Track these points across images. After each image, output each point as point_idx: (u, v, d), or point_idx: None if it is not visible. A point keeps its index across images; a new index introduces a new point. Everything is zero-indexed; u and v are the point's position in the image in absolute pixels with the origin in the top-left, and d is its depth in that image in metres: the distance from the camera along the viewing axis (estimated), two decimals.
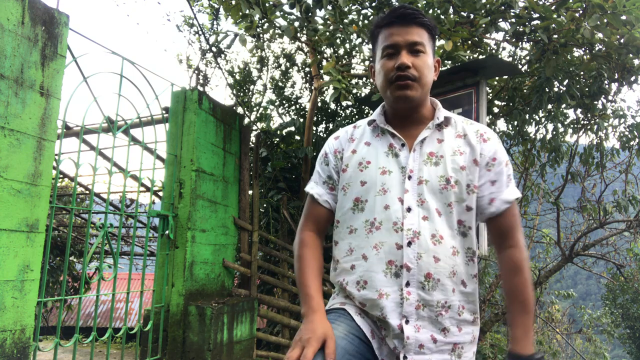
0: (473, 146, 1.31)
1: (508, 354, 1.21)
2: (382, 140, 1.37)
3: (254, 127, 6.07)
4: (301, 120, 6.05)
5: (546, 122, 4.88)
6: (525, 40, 3.71)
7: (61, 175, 6.69)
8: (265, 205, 5.31)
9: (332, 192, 1.42)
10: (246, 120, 5.67)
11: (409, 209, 1.24)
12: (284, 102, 6.84)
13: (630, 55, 3.44)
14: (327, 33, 3.65)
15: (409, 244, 1.22)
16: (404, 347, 1.20)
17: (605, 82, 4.13)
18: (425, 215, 1.24)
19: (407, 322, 1.20)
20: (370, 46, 4.13)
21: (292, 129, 5.94)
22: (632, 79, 3.89)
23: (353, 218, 1.32)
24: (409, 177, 1.27)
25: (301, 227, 1.44)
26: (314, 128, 6.06)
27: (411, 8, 1.29)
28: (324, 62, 5.88)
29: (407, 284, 1.21)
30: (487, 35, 3.78)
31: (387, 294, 1.22)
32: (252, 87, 6.91)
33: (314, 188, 1.44)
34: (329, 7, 3.51)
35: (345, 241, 1.33)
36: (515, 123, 4.75)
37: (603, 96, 4.31)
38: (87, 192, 6.53)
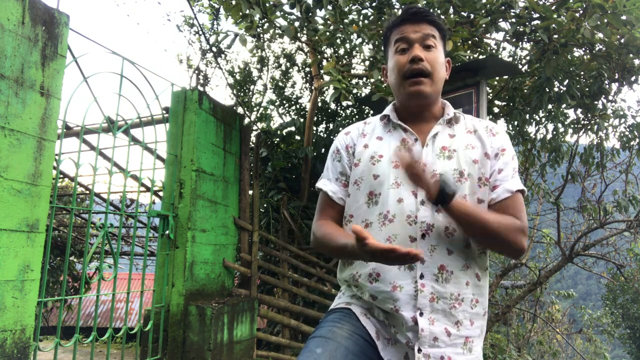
0: (483, 140, 1.33)
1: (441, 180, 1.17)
2: (394, 134, 1.38)
3: (254, 127, 6.08)
4: (301, 120, 6.05)
5: (546, 122, 4.87)
6: (526, 40, 3.71)
7: (61, 175, 6.69)
8: (265, 205, 5.32)
9: (345, 189, 1.41)
10: (246, 120, 5.68)
11: (422, 202, 1.25)
12: (284, 102, 6.85)
13: (631, 55, 3.44)
14: (327, 33, 3.65)
15: (423, 236, 1.23)
16: (418, 340, 1.19)
17: (606, 82, 4.12)
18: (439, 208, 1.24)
19: (421, 314, 1.20)
20: (370, 46, 4.14)
21: (292, 129, 5.95)
22: (632, 79, 3.89)
23: (368, 212, 1.31)
24: (423, 171, 1.28)
25: (316, 220, 1.43)
26: (314, 128, 6.06)
27: (422, 8, 1.35)
28: (324, 62, 5.88)
29: (422, 276, 1.22)
30: (487, 35, 3.78)
31: (400, 286, 1.22)
32: (252, 87, 6.92)
33: (327, 185, 1.43)
34: (329, 7, 3.51)
35: None
36: (516, 123, 4.75)
37: (603, 96, 4.30)
38: (87, 192, 6.53)
